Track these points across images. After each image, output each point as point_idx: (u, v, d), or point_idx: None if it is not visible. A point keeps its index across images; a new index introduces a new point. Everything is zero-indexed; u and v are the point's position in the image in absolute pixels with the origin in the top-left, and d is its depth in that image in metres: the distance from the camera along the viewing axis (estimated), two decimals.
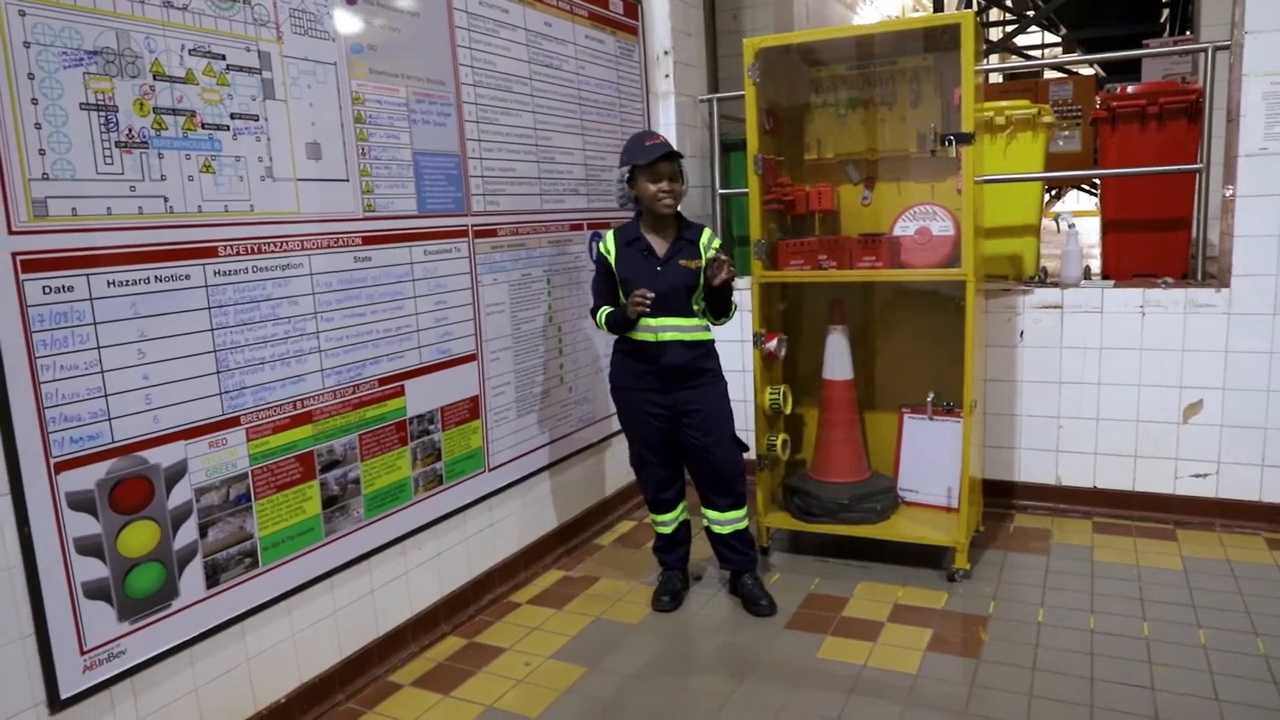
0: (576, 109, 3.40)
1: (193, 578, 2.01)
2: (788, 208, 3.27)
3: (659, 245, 2.71)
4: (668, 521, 2.91)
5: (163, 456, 1.93)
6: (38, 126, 1.69)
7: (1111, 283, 3.48)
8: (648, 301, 2.58)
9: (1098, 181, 5.40)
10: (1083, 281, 3.53)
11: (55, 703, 1.76)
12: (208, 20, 2.00)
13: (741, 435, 2.84)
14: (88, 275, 1.78)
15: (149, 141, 1.88)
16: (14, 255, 1.66)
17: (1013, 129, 3.61)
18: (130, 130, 1.84)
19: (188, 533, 1.99)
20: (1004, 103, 3.66)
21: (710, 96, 4.22)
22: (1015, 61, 10.48)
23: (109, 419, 1.82)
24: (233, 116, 2.06)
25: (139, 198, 1.87)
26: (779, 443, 3.23)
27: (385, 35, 2.50)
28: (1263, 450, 3.21)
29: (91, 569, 1.80)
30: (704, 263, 2.66)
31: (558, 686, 2.45)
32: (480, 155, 2.88)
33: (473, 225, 2.85)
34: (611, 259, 2.75)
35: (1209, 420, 3.27)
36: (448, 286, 2.75)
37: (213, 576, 2.06)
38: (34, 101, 1.68)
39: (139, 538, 1.89)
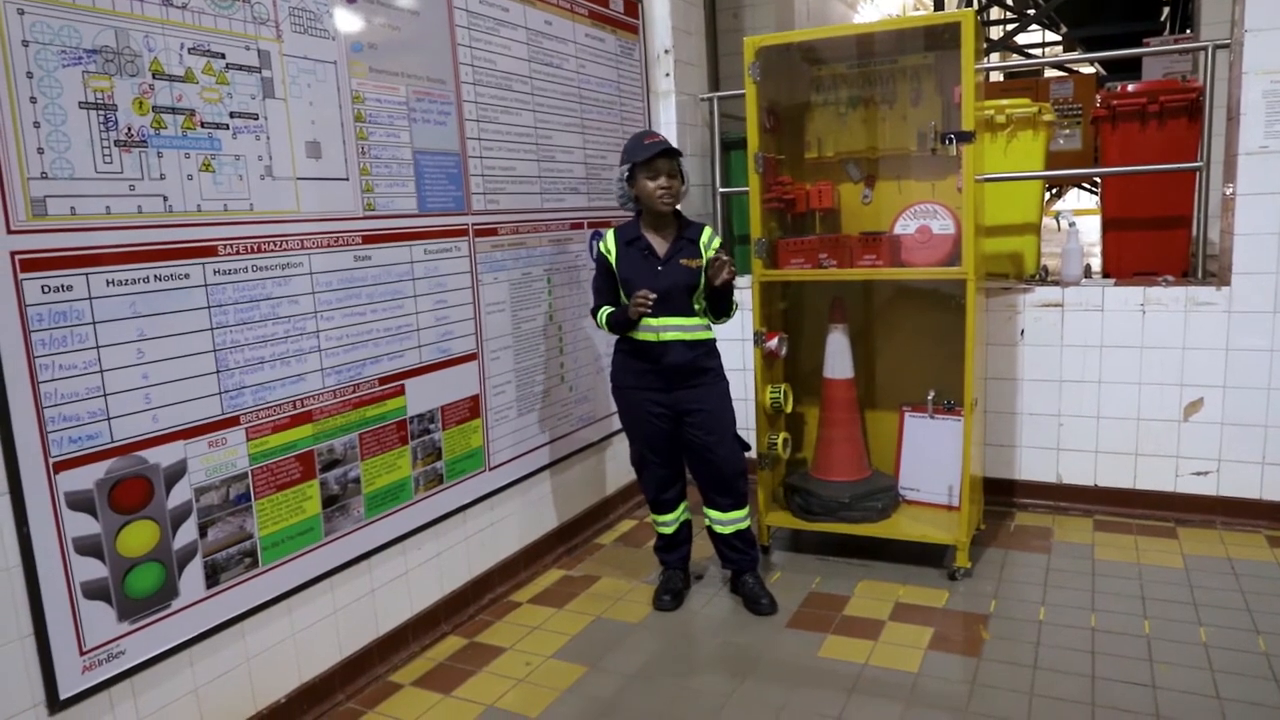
0: (577, 108, 3.40)
1: (192, 578, 2.01)
2: (788, 206, 3.27)
3: (659, 244, 2.71)
4: (669, 521, 2.90)
5: (162, 456, 1.93)
6: (36, 125, 1.68)
7: (1112, 281, 3.48)
8: (649, 302, 2.57)
9: (1098, 180, 5.39)
10: (1083, 280, 3.53)
11: (54, 703, 1.76)
12: (207, 19, 1.99)
13: (742, 434, 2.84)
14: (87, 274, 1.78)
15: (148, 140, 1.87)
16: (12, 254, 1.66)
17: (1013, 127, 3.61)
18: (129, 129, 1.84)
19: (187, 532, 1.99)
20: (1004, 101, 3.66)
21: (711, 95, 4.22)
22: (1016, 60, 10.48)
23: (108, 418, 1.82)
24: (232, 115, 2.06)
25: (138, 196, 1.86)
26: (780, 441, 3.22)
27: (385, 34, 2.49)
28: (1263, 448, 3.21)
29: (91, 569, 1.80)
30: (705, 262, 2.66)
31: (558, 686, 2.45)
32: (480, 154, 2.88)
33: (473, 224, 2.85)
34: (612, 259, 2.74)
35: (1210, 418, 3.27)
36: (448, 285, 2.74)
37: (212, 576, 2.06)
38: (33, 100, 1.67)
39: (138, 538, 1.89)
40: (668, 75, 3.96)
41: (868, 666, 2.46)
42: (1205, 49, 3.30)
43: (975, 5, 9.90)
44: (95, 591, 1.81)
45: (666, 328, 2.67)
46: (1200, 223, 3.34)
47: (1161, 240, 3.62)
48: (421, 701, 2.41)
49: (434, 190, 2.68)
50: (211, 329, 2.02)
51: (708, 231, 2.74)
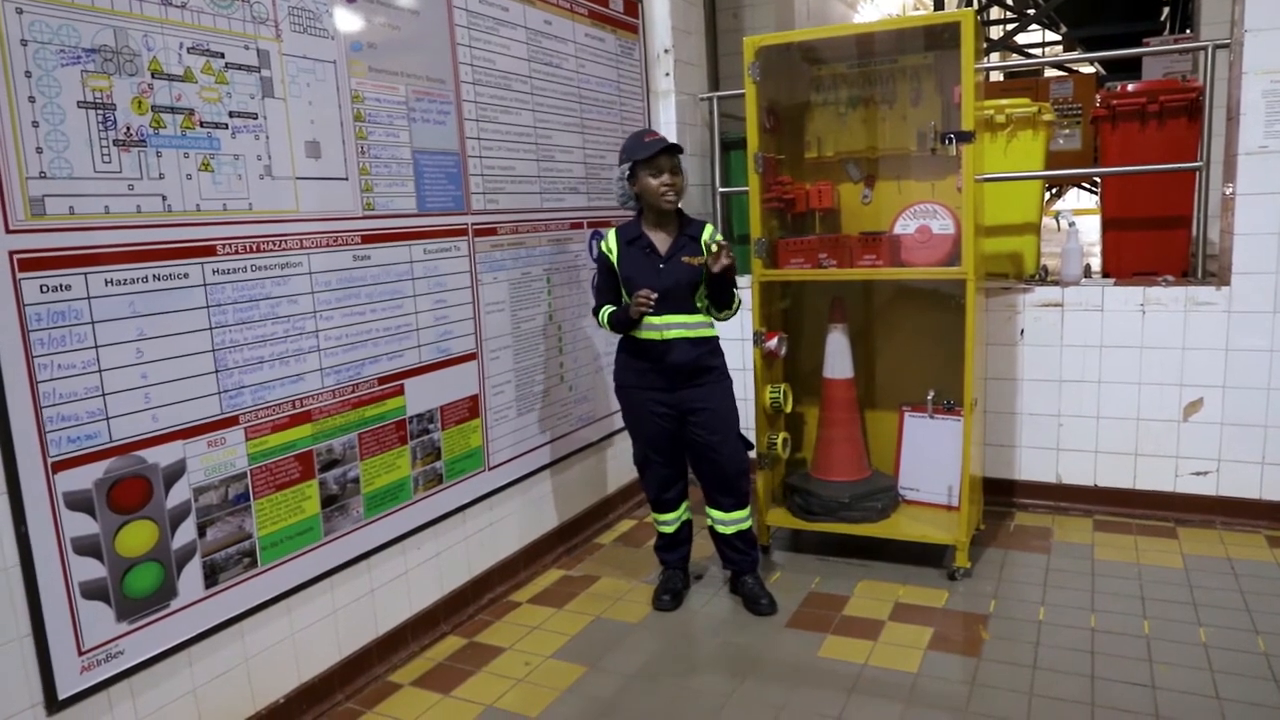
0: (576, 107, 3.39)
1: (191, 578, 2.01)
2: (788, 206, 3.27)
3: (661, 243, 2.71)
4: (670, 521, 2.90)
5: (161, 456, 1.93)
6: (35, 124, 1.68)
7: (1112, 281, 3.48)
8: (651, 302, 2.57)
9: (1098, 179, 5.39)
10: (1083, 279, 3.53)
11: (53, 703, 1.76)
12: (206, 18, 1.99)
13: (744, 433, 2.84)
14: (85, 274, 1.77)
15: (147, 140, 1.87)
16: (11, 254, 1.65)
17: (1013, 127, 3.61)
18: (128, 128, 1.84)
19: (186, 532, 1.99)
20: (1004, 101, 3.66)
21: (710, 95, 4.21)
22: (1016, 60, 10.48)
23: (107, 418, 1.82)
24: (231, 115, 2.05)
25: (137, 196, 1.86)
26: (779, 441, 3.22)
27: (385, 33, 2.49)
28: (1263, 448, 3.21)
29: (89, 569, 1.80)
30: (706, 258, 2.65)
31: (558, 686, 2.45)
32: (480, 154, 2.87)
33: (472, 224, 2.84)
34: (613, 258, 2.74)
35: (1209, 418, 3.27)
36: (447, 285, 2.74)
37: (211, 576, 2.05)
38: (31, 99, 1.67)
39: (137, 537, 1.88)
40: (667, 75, 3.96)
41: (867, 666, 2.46)
42: (1205, 49, 3.30)
43: (975, 5, 9.90)
44: (94, 591, 1.81)
45: (670, 325, 2.67)
46: (1200, 222, 3.34)
47: (1161, 240, 3.62)
48: (421, 702, 2.41)
49: (433, 190, 2.67)
50: (210, 329, 2.02)
51: (709, 229, 2.73)
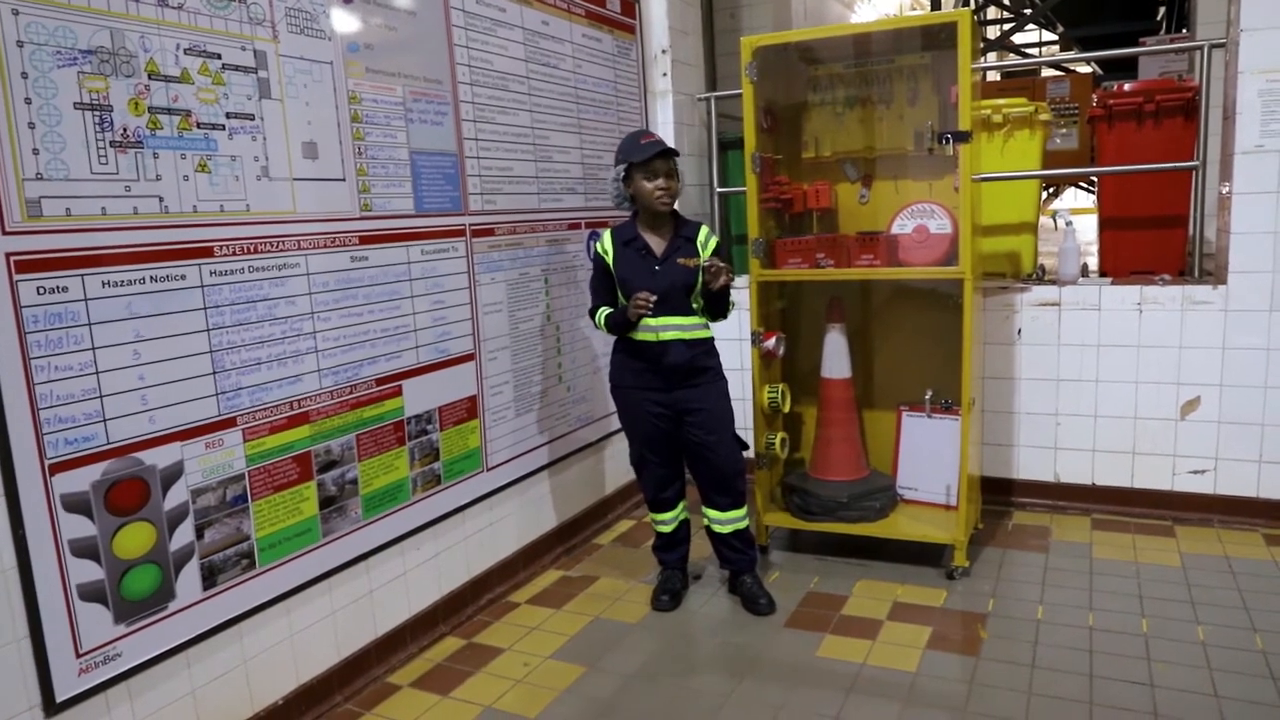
0: (574, 108, 3.39)
1: (189, 579, 2.00)
2: (785, 206, 3.27)
3: (657, 244, 2.71)
4: (668, 521, 2.90)
5: (159, 457, 1.92)
6: (31, 126, 1.68)
7: (1109, 280, 3.48)
8: (650, 305, 2.57)
9: (1095, 179, 5.40)
10: (1080, 279, 3.53)
11: (50, 706, 1.75)
12: (203, 19, 1.99)
13: (740, 433, 2.84)
14: (82, 276, 1.77)
15: (144, 141, 1.87)
16: (7, 256, 1.65)
17: (1010, 127, 3.61)
18: (125, 130, 1.83)
19: (184, 534, 1.99)
20: (1001, 101, 3.66)
21: (708, 95, 4.21)
22: (1012, 59, 10.49)
23: (104, 420, 1.82)
24: (228, 116, 2.05)
25: (134, 197, 1.86)
26: (777, 441, 3.22)
27: (382, 34, 2.49)
28: (1260, 446, 3.21)
29: (87, 571, 1.80)
30: (702, 261, 2.65)
31: (557, 686, 2.44)
32: (477, 154, 2.87)
33: (470, 224, 2.84)
34: (609, 259, 2.74)
35: (1206, 417, 3.28)
36: (445, 286, 2.74)
37: (209, 578, 2.05)
38: (28, 101, 1.67)
39: (135, 539, 1.88)
40: (665, 75, 3.96)
41: (866, 666, 2.46)
42: (1201, 48, 3.30)
43: (972, 5, 9.91)
44: (91, 594, 1.81)
45: (665, 327, 2.67)
46: (1197, 221, 3.34)
47: (1158, 239, 3.62)
48: (420, 703, 2.41)
49: (431, 190, 2.67)
50: (208, 330, 2.02)
51: (705, 230, 2.74)
